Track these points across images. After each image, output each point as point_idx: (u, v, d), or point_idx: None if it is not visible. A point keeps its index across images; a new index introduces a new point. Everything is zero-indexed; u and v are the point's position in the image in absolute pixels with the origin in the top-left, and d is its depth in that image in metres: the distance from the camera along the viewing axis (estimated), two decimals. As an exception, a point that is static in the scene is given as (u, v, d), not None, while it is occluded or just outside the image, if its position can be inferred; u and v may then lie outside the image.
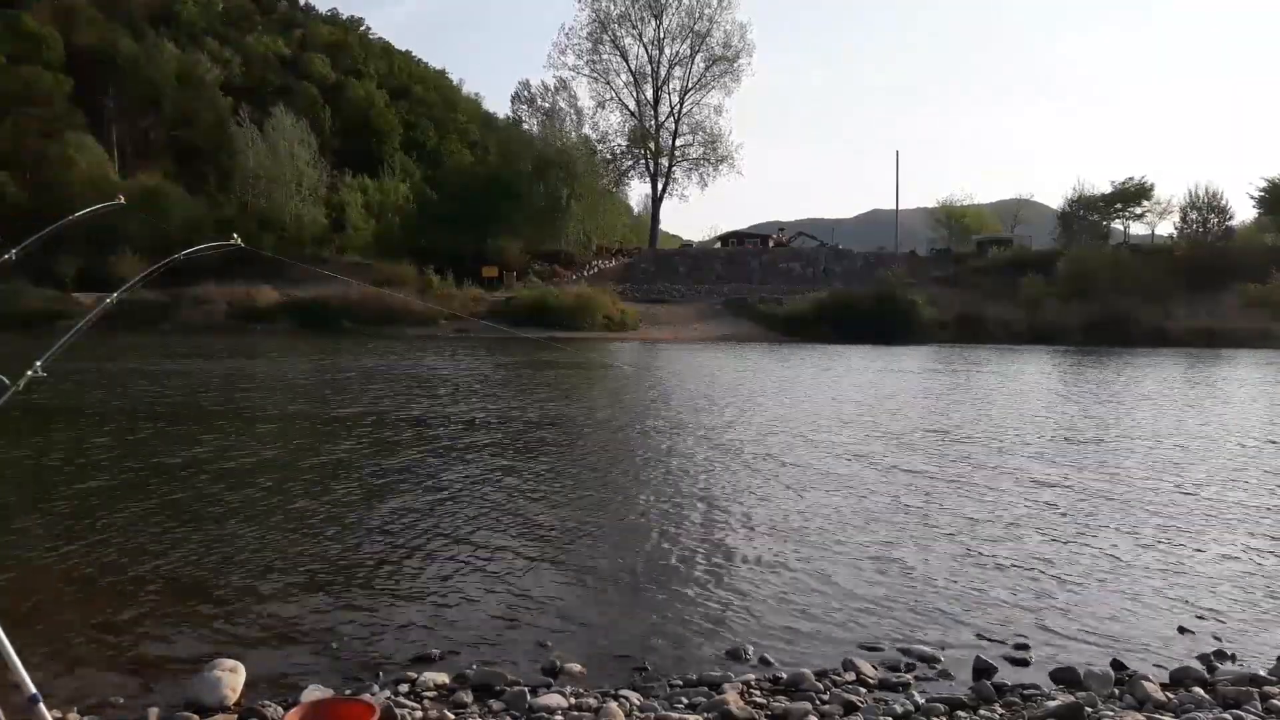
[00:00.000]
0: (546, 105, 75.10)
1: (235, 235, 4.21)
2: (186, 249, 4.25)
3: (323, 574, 6.93)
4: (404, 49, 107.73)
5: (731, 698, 4.72)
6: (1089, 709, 4.60)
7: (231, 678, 4.75)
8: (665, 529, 8.50)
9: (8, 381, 3.08)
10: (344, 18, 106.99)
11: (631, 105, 78.82)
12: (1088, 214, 69.17)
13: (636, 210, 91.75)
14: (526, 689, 4.85)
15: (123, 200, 4.30)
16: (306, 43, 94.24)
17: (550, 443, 13.58)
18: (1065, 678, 5.19)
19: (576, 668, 5.22)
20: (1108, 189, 68.97)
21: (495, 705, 4.69)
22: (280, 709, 4.48)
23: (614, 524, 8.74)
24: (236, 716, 4.47)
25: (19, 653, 3.25)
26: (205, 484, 10.03)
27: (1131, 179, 68.66)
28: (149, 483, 10.03)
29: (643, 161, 78.92)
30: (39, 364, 3.16)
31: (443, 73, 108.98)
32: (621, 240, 78.46)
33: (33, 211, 46.13)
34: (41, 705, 3.07)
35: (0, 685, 3.43)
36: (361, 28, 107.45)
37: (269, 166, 63.56)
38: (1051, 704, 4.71)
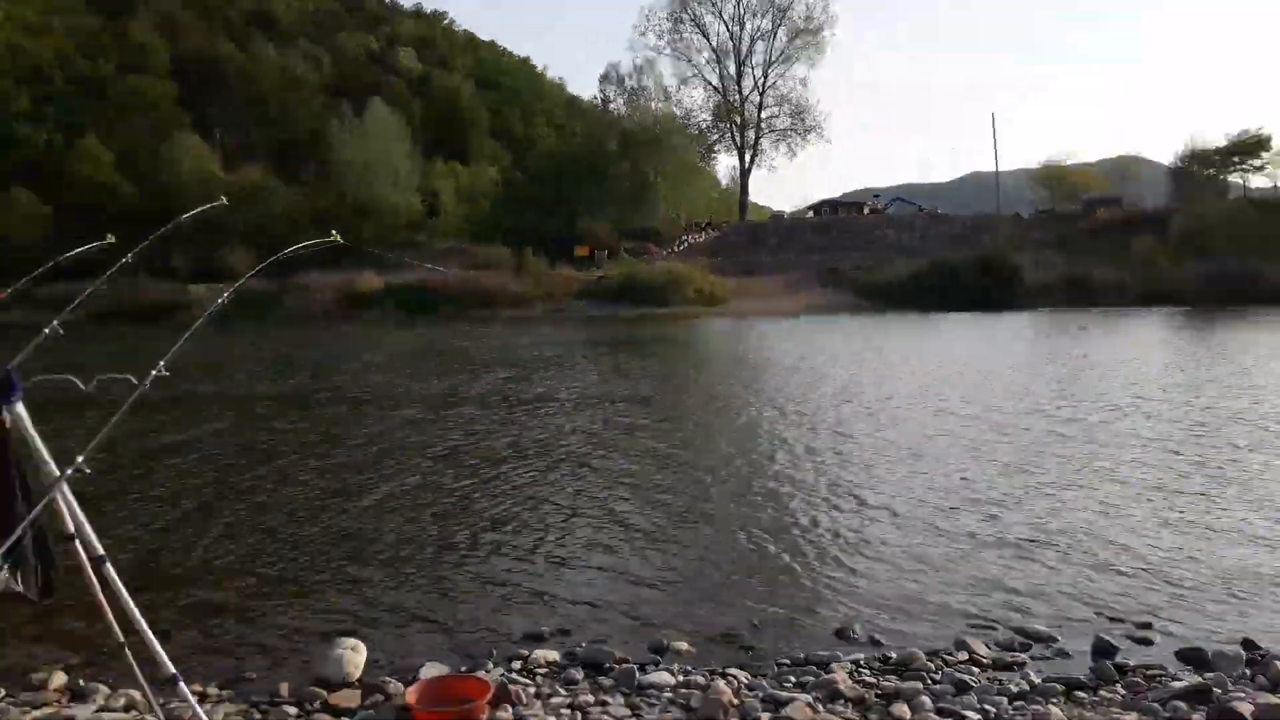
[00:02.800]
0: (633, 84, 75.16)
1: (334, 231, 4.36)
2: (288, 241, 4.45)
3: (438, 555, 7.16)
4: (488, 39, 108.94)
5: (840, 677, 4.69)
6: (1218, 690, 4.42)
7: (353, 655, 4.95)
8: (770, 508, 8.47)
9: (135, 381, 3.25)
10: (428, 11, 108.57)
11: (715, 81, 78.18)
12: (1202, 169, 65.46)
13: (725, 183, 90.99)
14: (635, 666, 4.92)
15: (225, 200, 4.53)
16: (394, 38, 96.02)
17: (649, 421, 13.64)
18: (1192, 658, 5.00)
19: (684, 646, 5.27)
20: (1223, 142, 65.16)
21: (605, 682, 4.78)
22: (400, 685, 4.65)
23: (717, 503, 8.75)
24: (360, 692, 4.66)
25: (157, 634, 3.45)
26: (323, 468, 10.45)
27: (1248, 131, 64.66)
28: (271, 468, 10.50)
29: (728, 135, 78.20)
30: (161, 364, 3.32)
31: (527, 60, 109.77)
32: (711, 214, 77.95)
33: (146, 209, 48.49)
34: (182, 684, 3.25)
35: (137, 666, 3.64)
36: (445, 20, 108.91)
37: (366, 159, 65.29)
38: (1177, 685, 4.54)
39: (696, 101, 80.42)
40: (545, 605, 6.04)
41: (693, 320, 42.78)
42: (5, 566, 3.24)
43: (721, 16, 76.52)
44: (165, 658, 3.31)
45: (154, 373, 3.39)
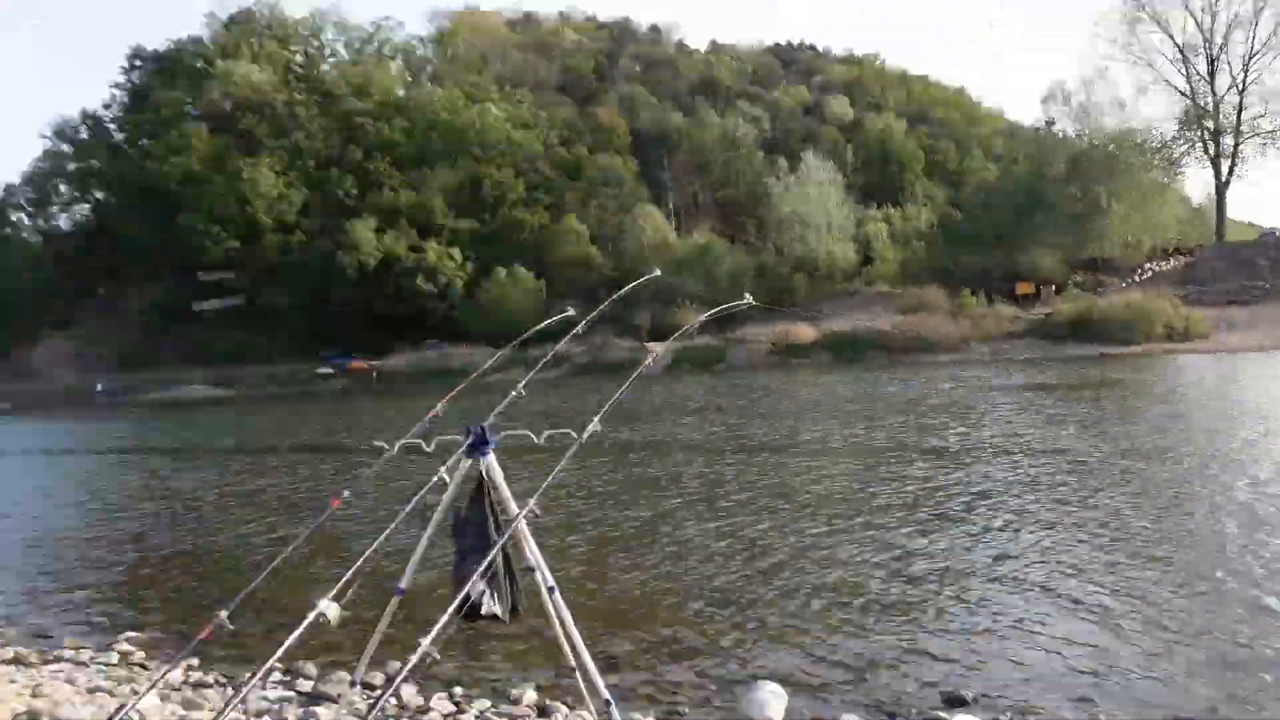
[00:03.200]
0: (1081, 100, 68.88)
1: (747, 294, 4.74)
2: (732, 299, 5.27)
3: (858, 605, 7.14)
4: (920, 74, 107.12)
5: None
6: None
7: (776, 701, 5.13)
8: (1251, 588, 7.14)
9: (574, 435, 3.80)
10: (859, 56, 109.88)
11: (1180, 84, 68.87)
12: None
13: (1196, 201, 79.43)
14: (1068, 746, 4.50)
15: (658, 272, 5.14)
16: (826, 86, 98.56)
17: (1094, 475, 12.32)
18: None
19: (1129, 731, 4.70)
20: None
21: (1032, 759, 4.43)
22: (818, 735, 4.72)
23: (1178, 575, 7.62)
24: (781, 739, 4.81)
25: (601, 659, 3.92)
26: (744, 511, 10.93)
27: None
28: (690, 510, 11.26)
29: (1199, 144, 68.32)
30: (596, 420, 3.85)
31: (961, 90, 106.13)
32: (1179, 237, 68.46)
33: (615, 277, 55.20)
34: (614, 709, 3.64)
35: (587, 691, 4.13)
36: (877, 61, 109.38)
37: (802, 212, 67.76)
38: None
39: (1158, 110, 71.68)
40: (972, 666, 5.75)
41: (1161, 359, 37.84)
42: (486, 591, 3.91)
43: (1188, 8, 67.33)
44: (600, 684, 3.74)
45: (589, 429, 3.93)
